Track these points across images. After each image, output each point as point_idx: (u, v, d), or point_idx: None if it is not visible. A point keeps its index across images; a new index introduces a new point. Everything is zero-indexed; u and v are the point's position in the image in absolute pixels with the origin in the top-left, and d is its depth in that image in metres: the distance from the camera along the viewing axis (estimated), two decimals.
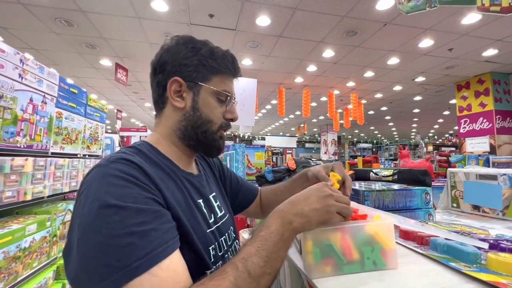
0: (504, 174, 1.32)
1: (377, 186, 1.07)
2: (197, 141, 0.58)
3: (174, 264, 0.40)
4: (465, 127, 5.75)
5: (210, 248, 0.53)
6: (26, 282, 1.47)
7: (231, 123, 0.62)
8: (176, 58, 0.56)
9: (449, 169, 1.85)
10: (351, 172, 1.39)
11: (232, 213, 0.73)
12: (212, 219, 0.58)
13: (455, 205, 1.59)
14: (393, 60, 4.67)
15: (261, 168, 2.83)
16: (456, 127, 11.70)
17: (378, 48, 4.20)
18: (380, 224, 0.48)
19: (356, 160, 3.59)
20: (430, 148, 14.96)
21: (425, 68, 5.03)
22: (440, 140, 17.36)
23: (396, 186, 1.03)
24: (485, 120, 5.38)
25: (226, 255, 0.59)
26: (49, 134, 1.76)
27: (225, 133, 0.63)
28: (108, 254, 0.36)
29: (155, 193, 0.45)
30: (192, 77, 0.56)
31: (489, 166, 3.40)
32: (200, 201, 0.57)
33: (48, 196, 1.75)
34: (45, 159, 1.70)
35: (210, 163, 0.77)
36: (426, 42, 3.93)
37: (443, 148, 13.93)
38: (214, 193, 0.66)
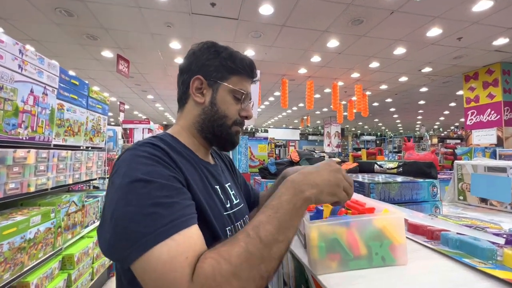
0: None
1: (382, 178, 1.05)
2: (213, 134, 0.63)
3: (193, 233, 0.43)
4: (472, 119, 5.64)
5: (227, 229, 0.56)
6: (32, 272, 1.49)
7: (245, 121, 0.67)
8: (200, 60, 0.63)
9: (456, 161, 1.81)
10: (355, 164, 1.35)
11: (247, 204, 0.74)
12: (229, 205, 0.61)
13: (461, 198, 1.56)
14: (400, 50, 4.56)
15: (264, 160, 2.82)
16: (462, 119, 11.52)
17: (384, 38, 4.09)
18: (390, 218, 0.46)
19: (360, 152, 3.55)
20: (435, 140, 14.78)
21: (432, 58, 4.91)
22: (445, 133, 17.14)
23: (401, 179, 1.00)
24: (493, 112, 5.27)
25: None
26: (51, 126, 1.75)
27: (239, 129, 0.66)
28: (138, 221, 0.41)
29: (177, 173, 0.49)
30: (212, 76, 0.62)
31: (495, 159, 3.35)
32: (217, 187, 0.61)
33: (52, 188, 1.76)
34: (47, 151, 1.69)
35: (224, 159, 0.80)
36: (434, 31, 3.82)
37: (448, 141, 13.77)
38: (229, 183, 0.69)
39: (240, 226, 0.62)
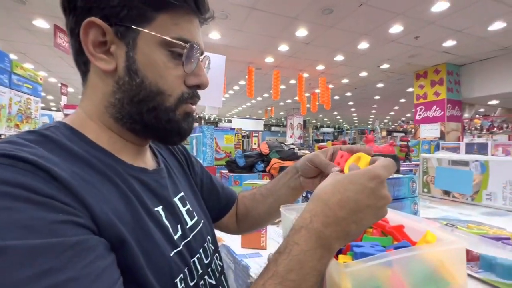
0: (476, 161, 1.32)
1: None
2: (143, 124, 0.38)
3: None
4: (420, 114, 6.16)
5: (178, 280, 0.35)
6: None
7: (199, 95, 0.41)
8: None
9: (422, 154, 1.86)
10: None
11: (209, 217, 0.53)
12: (179, 233, 0.40)
13: (426, 190, 1.58)
14: (363, 45, 4.68)
15: (230, 152, 2.64)
16: (408, 115, 12.70)
17: (351, 31, 4.13)
18: (448, 250, 0.32)
19: (325, 144, 3.58)
20: (384, 133, 16.16)
21: (391, 55, 5.16)
22: (393, 126, 18.84)
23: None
24: (438, 108, 5.81)
25: (202, 282, 0.40)
26: None
27: (193, 107, 0.41)
28: None
29: (72, 211, 0.26)
30: (120, 16, 0.34)
31: (439, 151, 3.68)
32: (159, 208, 0.39)
33: None
34: None
35: (175, 153, 0.55)
36: (396, 28, 3.96)
37: (395, 134, 15.15)
38: (181, 193, 0.46)
39: (198, 263, 0.41)
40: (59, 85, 6.55)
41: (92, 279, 0.24)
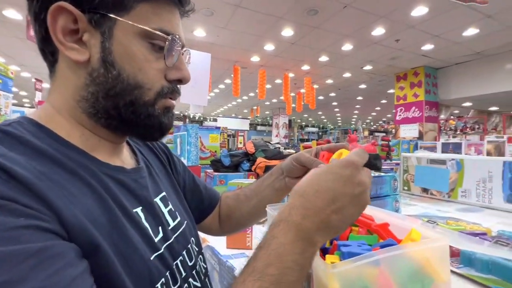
0: (453, 159, 1.38)
1: None
2: (120, 119, 0.35)
3: None
4: (400, 115, 6.40)
5: (159, 284, 0.33)
6: None
7: (181, 90, 0.40)
8: None
9: (402, 153, 1.91)
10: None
11: (192, 217, 0.51)
12: (160, 235, 0.38)
13: (406, 188, 1.64)
14: (347, 46, 4.77)
15: (215, 151, 2.61)
16: (389, 115, 13.16)
17: (336, 32, 4.20)
18: (433, 247, 0.32)
19: (310, 143, 3.62)
20: (366, 133, 16.64)
21: (373, 57, 5.30)
22: (374, 126, 19.45)
23: None
24: (416, 109, 6.05)
25: (186, 286, 0.39)
26: None
27: (173, 102, 0.39)
28: None
29: (35, 214, 0.24)
30: (94, 2, 0.31)
31: (417, 150, 3.84)
32: (138, 210, 0.36)
33: None
34: None
35: (156, 150, 0.52)
36: (379, 31, 4.07)
37: (376, 134, 15.64)
38: (163, 193, 0.43)
39: (181, 266, 0.39)
40: (33, 80, 6.19)
41: (63, 286, 0.22)
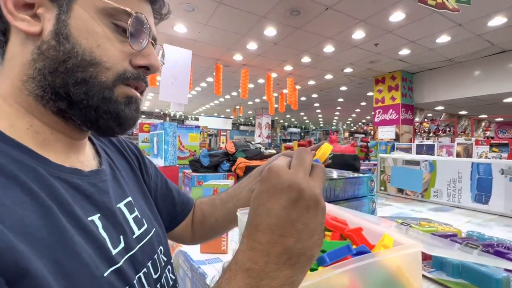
0: (426, 160, 1.43)
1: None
2: (68, 100, 0.30)
3: None
4: (378, 117, 6.62)
5: None
6: None
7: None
8: None
9: (380, 154, 1.96)
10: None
11: (162, 224, 0.46)
12: (121, 246, 0.33)
13: (382, 188, 1.67)
14: (329, 48, 4.85)
15: (195, 151, 2.54)
16: (369, 117, 13.65)
17: (318, 33, 4.25)
18: (406, 254, 0.30)
19: (292, 143, 3.65)
20: (347, 134, 17.12)
21: (354, 59, 5.44)
22: (354, 128, 20.07)
23: (336, 174, 0.97)
24: (393, 112, 6.29)
25: None
26: None
27: (137, 94, 0.35)
28: None
29: None
30: None
31: (394, 151, 3.99)
32: (95, 218, 0.32)
33: None
34: None
35: (124, 151, 0.47)
36: (359, 34, 4.17)
37: (356, 135, 16.15)
38: (129, 198, 0.39)
39: (144, 278, 0.35)
40: None
41: None
